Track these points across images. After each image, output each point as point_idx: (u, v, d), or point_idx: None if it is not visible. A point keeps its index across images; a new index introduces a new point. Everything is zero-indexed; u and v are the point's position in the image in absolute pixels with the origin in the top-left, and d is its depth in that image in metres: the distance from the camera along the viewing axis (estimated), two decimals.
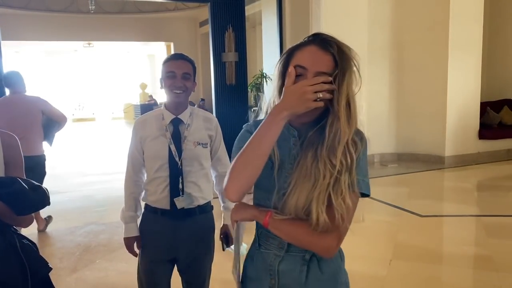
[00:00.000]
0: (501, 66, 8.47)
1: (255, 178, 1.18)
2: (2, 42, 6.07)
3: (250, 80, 8.08)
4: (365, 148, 1.25)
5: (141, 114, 3.00)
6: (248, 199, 1.31)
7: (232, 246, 2.01)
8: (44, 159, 4.19)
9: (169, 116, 2.09)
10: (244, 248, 1.57)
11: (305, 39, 1.25)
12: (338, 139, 1.18)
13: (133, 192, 2.16)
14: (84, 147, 11.51)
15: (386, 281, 3.31)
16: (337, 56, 1.18)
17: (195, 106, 10.23)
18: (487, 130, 7.69)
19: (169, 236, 2.11)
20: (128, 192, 2.16)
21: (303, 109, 1.13)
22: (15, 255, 1.50)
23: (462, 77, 7.24)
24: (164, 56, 15.15)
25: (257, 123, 1.27)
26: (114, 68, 20.80)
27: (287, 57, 1.23)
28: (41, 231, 4.50)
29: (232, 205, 1.93)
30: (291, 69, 1.17)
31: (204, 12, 10.47)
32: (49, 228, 4.61)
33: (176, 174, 2.05)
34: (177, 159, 2.05)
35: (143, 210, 2.22)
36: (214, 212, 2.24)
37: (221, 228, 2.24)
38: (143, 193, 2.20)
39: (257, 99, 11.60)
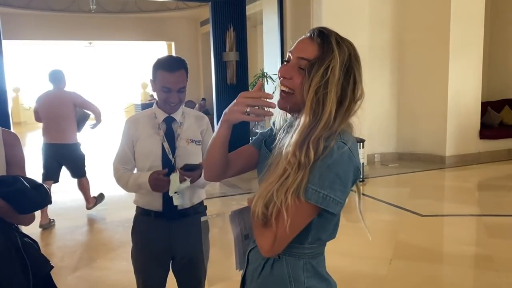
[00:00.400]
0: (502, 66, 8.46)
1: (216, 165, 1.32)
2: (3, 41, 6.07)
3: (251, 79, 8.08)
4: (334, 159, 1.10)
5: None
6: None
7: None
8: (77, 146, 4.87)
9: (162, 115, 2.08)
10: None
11: None
12: (298, 131, 1.13)
13: (126, 170, 2.11)
14: (85, 146, 11.50)
15: (386, 281, 3.31)
16: (321, 45, 1.15)
17: (196, 105, 10.26)
18: (488, 130, 7.68)
19: (163, 239, 2.08)
20: (124, 176, 2.09)
21: (234, 120, 1.19)
22: (16, 253, 1.51)
23: (463, 76, 7.23)
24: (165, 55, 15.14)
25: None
26: (116, 67, 20.81)
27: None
28: (90, 208, 5.06)
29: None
30: (259, 80, 1.20)
31: (205, 11, 10.47)
32: (50, 227, 4.62)
33: (170, 172, 2.02)
34: (170, 156, 2.03)
35: (135, 212, 2.18)
36: (208, 212, 2.23)
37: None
38: (134, 195, 2.17)
39: None
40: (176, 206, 2.04)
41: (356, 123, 1.23)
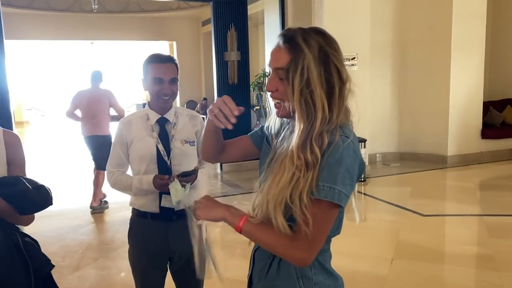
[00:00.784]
0: (504, 65, 8.44)
1: (210, 150, 1.45)
2: (5, 41, 6.07)
3: (252, 79, 8.09)
4: (341, 153, 1.11)
5: None
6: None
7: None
8: (110, 138, 5.13)
9: (155, 116, 2.07)
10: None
11: None
12: (297, 135, 1.15)
13: (121, 172, 2.10)
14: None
15: (387, 280, 3.31)
16: (289, 49, 1.15)
17: (198, 105, 10.28)
18: (489, 129, 7.67)
19: (160, 240, 2.07)
20: (121, 179, 2.09)
21: (211, 121, 1.29)
22: (18, 253, 1.51)
23: (464, 76, 7.22)
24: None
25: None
26: (118, 67, 20.83)
27: None
28: (93, 208, 5.23)
29: (209, 169, 2.10)
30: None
31: (207, 11, 10.47)
32: (52, 227, 4.63)
33: (165, 174, 2.00)
34: (166, 158, 2.02)
35: (131, 214, 2.18)
36: None
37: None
38: (130, 197, 2.16)
39: (260, 98, 11.61)
40: (173, 207, 2.04)
41: (354, 122, 1.23)
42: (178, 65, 2.07)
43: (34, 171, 5.01)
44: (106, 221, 4.93)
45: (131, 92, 19.77)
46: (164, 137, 2.04)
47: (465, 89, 7.26)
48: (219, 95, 7.18)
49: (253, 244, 1.33)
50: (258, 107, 10.92)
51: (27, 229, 1.72)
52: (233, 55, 7.11)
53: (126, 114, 3.71)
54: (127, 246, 2.20)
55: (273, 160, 1.22)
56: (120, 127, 2.10)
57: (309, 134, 1.12)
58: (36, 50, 18.34)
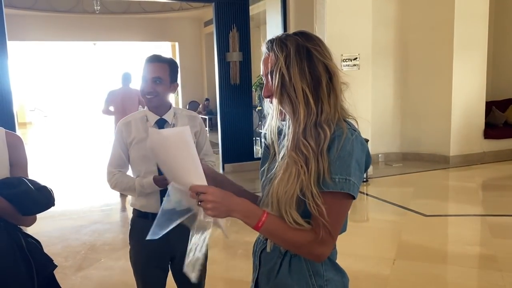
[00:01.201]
0: (507, 65, 8.41)
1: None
2: (8, 42, 6.10)
3: (254, 79, 8.09)
4: (352, 145, 1.13)
5: None
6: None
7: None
8: None
9: (154, 118, 2.08)
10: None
11: None
12: (289, 134, 1.19)
13: (121, 173, 2.11)
14: (92, 145, 11.56)
15: (389, 281, 3.31)
16: (271, 54, 1.20)
17: (200, 106, 10.30)
18: (492, 129, 7.65)
19: (161, 240, 2.05)
20: (123, 180, 2.09)
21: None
22: (21, 253, 1.52)
23: (467, 76, 7.21)
24: (169, 55, 15.19)
25: None
26: (120, 68, 20.88)
27: None
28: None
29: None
30: None
31: (209, 12, 10.48)
32: (54, 227, 4.64)
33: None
34: None
35: (131, 215, 2.18)
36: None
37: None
38: (131, 198, 2.16)
39: (261, 98, 11.61)
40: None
41: (356, 121, 1.25)
42: (173, 66, 2.06)
43: (36, 172, 5.04)
44: (109, 222, 4.94)
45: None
46: None
47: (467, 89, 7.25)
48: (221, 95, 7.21)
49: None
50: (260, 108, 10.92)
51: (29, 230, 1.73)
52: (235, 56, 7.12)
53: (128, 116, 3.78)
54: (129, 248, 2.21)
55: (277, 160, 1.24)
56: (120, 128, 2.11)
57: (298, 128, 1.16)
58: (38, 51, 18.39)
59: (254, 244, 1.40)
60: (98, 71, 20.96)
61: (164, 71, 2.01)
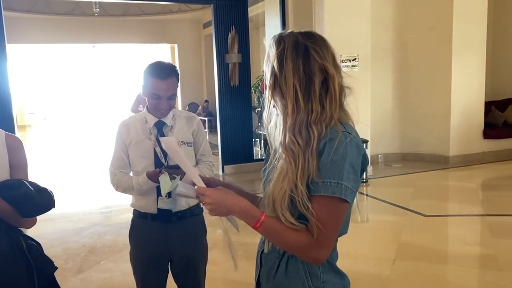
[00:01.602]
0: (506, 65, 8.43)
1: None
2: (7, 45, 6.10)
3: (253, 81, 8.09)
4: (345, 148, 1.12)
5: None
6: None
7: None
8: None
9: (152, 119, 2.09)
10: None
11: None
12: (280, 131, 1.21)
13: (123, 174, 2.12)
14: (91, 148, 11.57)
15: (389, 281, 3.31)
16: (271, 46, 1.24)
17: (199, 107, 10.39)
18: (491, 129, 7.66)
19: (160, 241, 2.09)
20: (124, 180, 2.09)
21: None
22: (21, 255, 1.52)
23: (466, 76, 7.22)
24: (168, 57, 15.22)
25: None
26: (119, 70, 20.87)
27: None
28: None
29: (204, 169, 2.13)
30: None
31: (208, 13, 10.49)
32: (54, 229, 4.64)
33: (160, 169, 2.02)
34: (163, 161, 2.04)
35: (132, 216, 2.19)
36: (205, 215, 2.23)
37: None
38: (131, 198, 2.17)
39: (261, 100, 11.59)
40: (170, 209, 2.05)
41: (355, 122, 1.25)
42: (179, 72, 2.07)
43: (36, 174, 5.04)
44: (109, 224, 4.94)
45: (132, 95, 19.80)
46: None
47: (466, 89, 7.26)
48: (220, 97, 7.22)
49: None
50: (260, 109, 10.93)
51: (30, 232, 1.73)
52: (234, 57, 7.13)
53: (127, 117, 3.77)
54: (129, 248, 2.22)
55: (275, 160, 1.25)
56: (119, 130, 2.13)
57: (286, 123, 1.17)
58: (38, 54, 18.39)
59: (259, 244, 1.41)
60: (97, 73, 20.97)
61: (175, 85, 2.03)
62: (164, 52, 15.71)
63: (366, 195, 5.74)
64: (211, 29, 7.31)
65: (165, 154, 2.05)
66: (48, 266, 1.62)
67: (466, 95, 7.26)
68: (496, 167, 7.10)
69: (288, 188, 1.14)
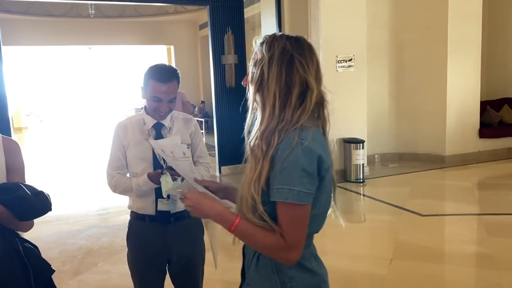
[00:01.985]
0: (501, 65, 8.47)
1: None
2: (3, 47, 6.09)
3: None
4: (295, 155, 1.15)
5: None
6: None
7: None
8: None
9: (151, 121, 2.09)
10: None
11: None
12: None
13: (121, 175, 2.12)
14: (87, 150, 11.55)
15: (386, 280, 3.32)
16: (262, 49, 1.26)
17: (196, 108, 10.37)
18: (487, 129, 7.69)
19: (158, 242, 2.09)
20: (121, 181, 2.09)
21: None
22: (18, 258, 1.52)
23: (461, 76, 7.25)
24: (164, 58, 15.20)
25: None
26: (116, 71, 20.83)
27: None
28: None
29: (202, 171, 2.13)
30: None
31: (204, 15, 10.48)
32: (51, 232, 4.63)
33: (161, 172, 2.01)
34: (161, 162, 2.03)
35: (129, 218, 2.19)
36: None
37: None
38: (128, 200, 2.17)
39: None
40: (169, 210, 2.05)
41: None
42: (179, 78, 2.07)
43: (33, 177, 5.02)
44: (106, 226, 4.93)
45: (129, 97, 19.76)
46: None
47: (462, 89, 7.29)
48: (217, 98, 7.22)
49: (241, 243, 1.37)
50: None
51: (26, 235, 1.73)
52: (230, 58, 7.13)
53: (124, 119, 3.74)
54: (127, 250, 2.21)
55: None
56: (117, 131, 2.12)
57: (259, 129, 1.22)
58: (34, 56, 18.34)
59: None
60: (93, 75, 20.92)
61: (176, 88, 2.04)
62: (160, 54, 15.70)
63: (363, 195, 5.75)
64: (207, 30, 7.31)
65: None
66: (45, 269, 1.62)
67: (461, 94, 7.29)
68: (492, 166, 7.13)
69: (250, 191, 1.20)
